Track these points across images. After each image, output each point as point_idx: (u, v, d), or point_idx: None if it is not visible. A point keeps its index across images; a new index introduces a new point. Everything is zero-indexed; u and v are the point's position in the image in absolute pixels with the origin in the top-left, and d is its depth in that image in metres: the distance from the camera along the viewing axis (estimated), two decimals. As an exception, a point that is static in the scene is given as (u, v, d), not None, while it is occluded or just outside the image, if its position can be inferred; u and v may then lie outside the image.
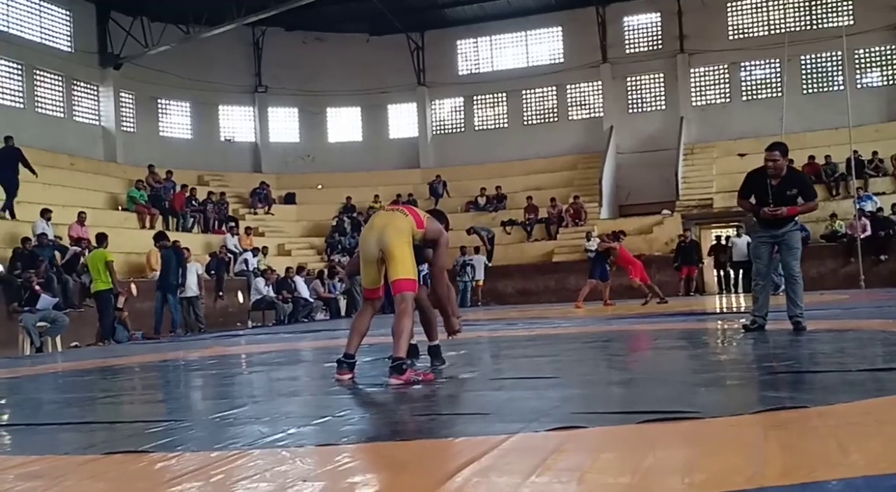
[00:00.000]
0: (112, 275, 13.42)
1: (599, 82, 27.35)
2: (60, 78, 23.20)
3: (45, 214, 16.09)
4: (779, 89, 25.12)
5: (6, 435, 3.95)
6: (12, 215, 16.46)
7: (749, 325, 7.40)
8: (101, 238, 14.16)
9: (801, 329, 7.04)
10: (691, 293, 20.22)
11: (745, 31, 26.45)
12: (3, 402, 5.63)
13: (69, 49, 23.54)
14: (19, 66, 21.97)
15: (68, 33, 23.58)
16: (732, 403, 3.72)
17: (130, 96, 25.34)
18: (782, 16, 25.89)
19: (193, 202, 22.10)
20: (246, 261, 19.50)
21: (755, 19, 26.44)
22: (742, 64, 26.34)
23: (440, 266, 5.57)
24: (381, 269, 5.20)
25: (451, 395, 4.56)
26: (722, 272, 21.34)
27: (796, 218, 7.34)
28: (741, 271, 19.86)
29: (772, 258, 7.51)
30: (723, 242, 21.37)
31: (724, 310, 13.19)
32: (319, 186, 27.35)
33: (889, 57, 25.03)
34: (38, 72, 22.55)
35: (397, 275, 5.02)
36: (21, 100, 22.00)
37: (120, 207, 20.87)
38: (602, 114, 27.26)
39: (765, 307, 7.41)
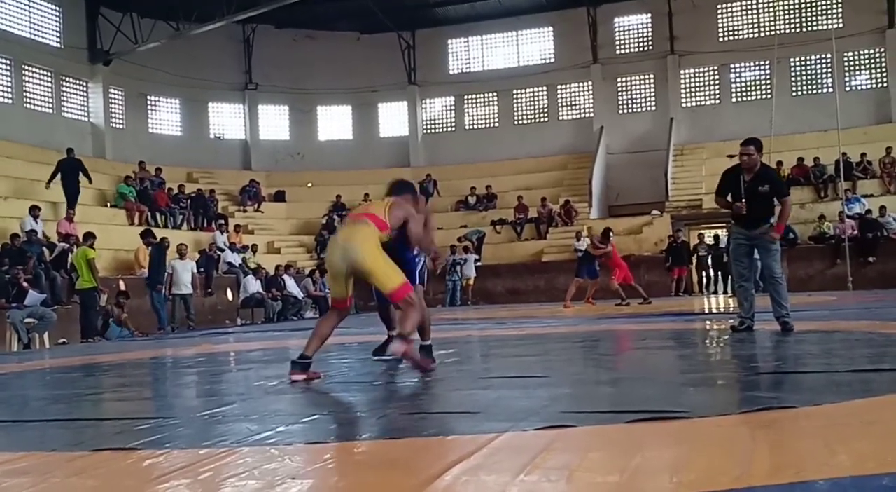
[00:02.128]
0: (94, 273, 13.37)
1: (590, 83, 27.40)
2: (49, 73, 23.08)
3: (34, 210, 16.03)
4: (768, 91, 25.19)
5: (-7, 432, 3.93)
6: (70, 219, 17.02)
7: (737, 326, 7.40)
8: (87, 236, 14.12)
9: (788, 330, 7.05)
10: (681, 293, 20.29)
11: (735, 33, 26.54)
12: (-11, 398, 5.61)
13: (58, 44, 23.43)
14: (8, 62, 21.86)
15: (58, 29, 23.46)
16: (720, 403, 3.73)
17: (120, 93, 25.23)
18: (772, 18, 25.97)
19: (181, 200, 22.03)
20: (229, 262, 19.36)
21: (745, 21, 26.54)
22: (732, 66, 26.42)
23: (417, 239, 5.43)
24: (348, 283, 5.14)
25: (441, 393, 4.56)
26: (717, 272, 21.35)
27: (770, 219, 7.29)
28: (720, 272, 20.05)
29: (752, 259, 7.46)
30: (710, 241, 21.40)
31: (714, 310, 13.23)
32: (309, 184, 27.29)
33: (878, 60, 25.14)
34: (27, 67, 22.43)
35: (387, 288, 5.00)
36: (10, 95, 21.88)
37: (108, 204, 20.78)
38: (592, 114, 27.31)
39: (751, 308, 7.39)
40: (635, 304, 15.59)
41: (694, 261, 21.60)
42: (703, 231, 22.92)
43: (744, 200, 7.16)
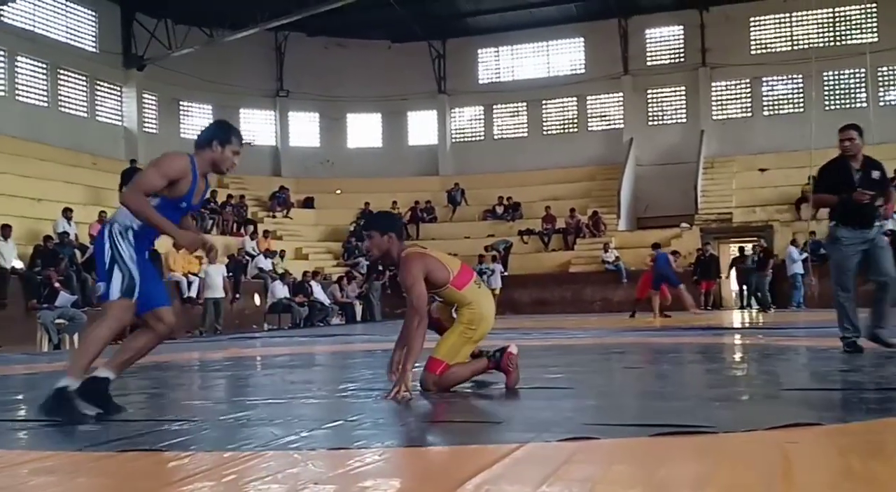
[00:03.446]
0: None
1: (620, 94, 27.32)
2: (84, 78, 23.41)
3: (67, 212, 16.23)
4: (800, 105, 25.03)
5: (21, 430, 3.98)
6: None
7: (855, 342, 6.63)
8: None
9: (887, 344, 6.41)
10: (709, 307, 20.11)
11: (768, 46, 26.37)
12: (20, 397, 5.68)
13: (94, 49, 23.76)
14: (44, 66, 22.19)
15: (93, 34, 23.80)
16: (746, 418, 3.69)
17: (153, 98, 25.54)
18: (805, 32, 25.81)
19: (212, 204, 22.22)
20: (260, 268, 19.48)
21: (778, 34, 26.37)
22: (764, 79, 26.25)
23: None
24: None
25: (464, 403, 4.55)
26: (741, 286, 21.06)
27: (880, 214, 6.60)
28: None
29: (859, 269, 6.54)
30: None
31: (743, 325, 13.10)
32: (338, 191, 27.43)
33: (913, 75, 24.84)
34: (62, 71, 22.76)
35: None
36: (45, 99, 22.21)
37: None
38: (622, 125, 27.23)
39: (857, 319, 6.61)
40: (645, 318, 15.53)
41: (733, 274, 21.29)
42: (741, 244, 22.56)
43: (859, 188, 6.30)
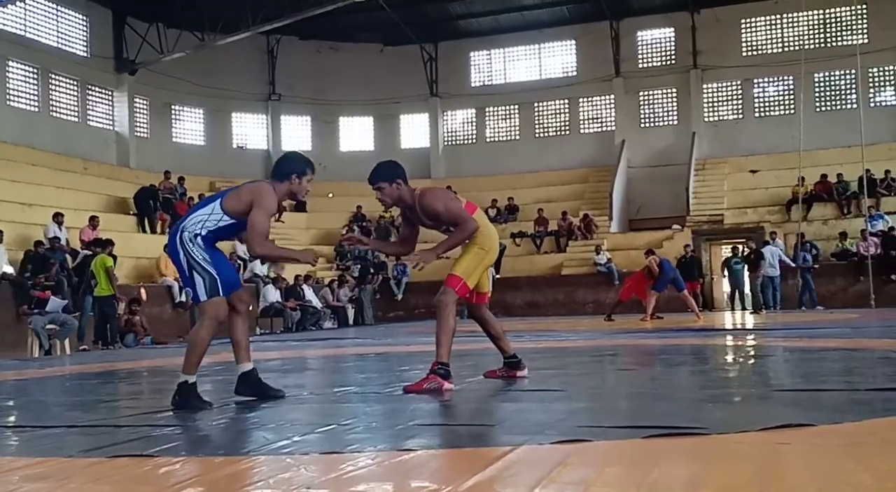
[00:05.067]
0: (111, 281, 13.38)
1: (612, 96, 27.38)
2: (76, 82, 23.36)
3: (58, 217, 16.16)
4: (791, 106, 25.11)
5: (12, 437, 3.96)
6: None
7: None
8: (105, 243, 14.09)
9: None
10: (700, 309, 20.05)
11: (759, 47, 26.47)
12: (10, 403, 5.66)
13: (85, 54, 23.71)
14: (35, 70, 22.14)
15: (84, 38, 23.75)
16: (739, 419, 3.70)
17: (144, 102, 25.49)
18: (796, 33, 25.91)
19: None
20: (255, 273, 19.44)
21: (769, 36, 26.46)
22: (755, 80, 26.35)
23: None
24: None
25: (457, 405, 4.55)
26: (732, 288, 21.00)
27: None
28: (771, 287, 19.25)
29: None
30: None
31: (732, 327, 13.12)
32: (330, 195, 27.39)
33: (903, 76, 24.94)
34: (53, 76, 22.71)
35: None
36: (36, 103, 22.16)
37: (132, 212, 20.96)
38: (614, 128, 27.29)
39: None
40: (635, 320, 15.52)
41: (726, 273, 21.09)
42: (733, 245, 22.47)
43: None
